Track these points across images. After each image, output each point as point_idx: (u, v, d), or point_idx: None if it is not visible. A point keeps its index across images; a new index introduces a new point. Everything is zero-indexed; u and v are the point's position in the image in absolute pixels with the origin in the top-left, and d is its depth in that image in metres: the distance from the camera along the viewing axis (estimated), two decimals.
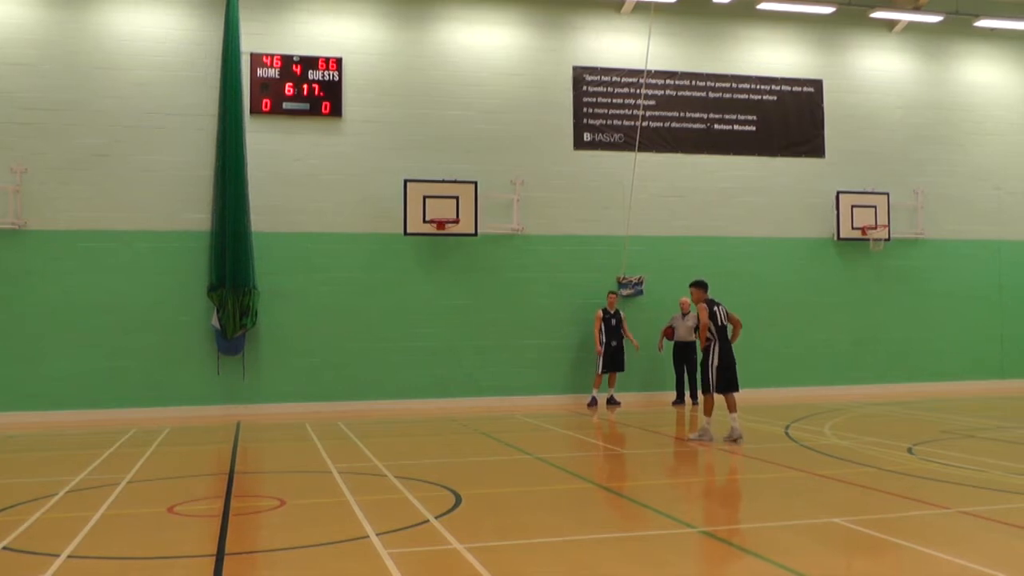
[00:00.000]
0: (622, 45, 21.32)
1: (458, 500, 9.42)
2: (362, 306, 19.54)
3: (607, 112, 21.16)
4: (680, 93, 21.61)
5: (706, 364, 13.94)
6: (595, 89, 21.14)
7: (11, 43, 18.56)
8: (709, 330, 13.81)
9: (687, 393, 19.81)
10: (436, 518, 8.58)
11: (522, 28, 20.91)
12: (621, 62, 21.27)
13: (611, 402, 19.57)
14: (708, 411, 14.08)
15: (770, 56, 22.26)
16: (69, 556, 7.43)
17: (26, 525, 8.60)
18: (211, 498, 10.00)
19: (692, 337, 19.03)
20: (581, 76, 21.07)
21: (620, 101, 21.23)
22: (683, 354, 19.71)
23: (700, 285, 14.30)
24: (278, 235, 19.27)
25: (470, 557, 7.14)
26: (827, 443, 13.45)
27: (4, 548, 7.74)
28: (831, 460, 11.84)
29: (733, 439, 13.68)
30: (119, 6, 19.07)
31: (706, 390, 13.96)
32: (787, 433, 14.66)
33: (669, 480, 11.44)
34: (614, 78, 21.21)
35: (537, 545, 7.71)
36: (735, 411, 13.88)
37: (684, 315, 19.39)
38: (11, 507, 9.45)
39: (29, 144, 18.46)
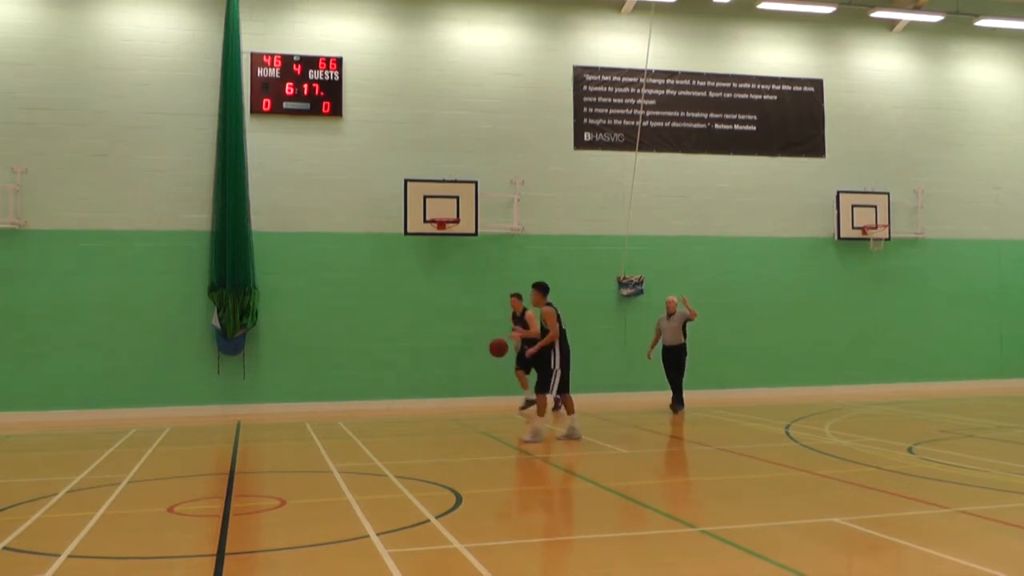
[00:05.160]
0: (622, 45, 21.33)
1: (458, 500, 9.42)
2: (362, 305, 19.55)
3: (607, 112, 21.17)
4: (680, 93, 21.62)
5: (547, 367, 13.93)
6: (595, 89, 21.15)
7: (11, 43, 18.55)
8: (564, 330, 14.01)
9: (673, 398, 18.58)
10: (436, 518, 8.58)
11: (522, 28, 20.91)
12: (621, 62, 21.28)
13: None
14: (543, 411, 14.05)
15: (770, 56, 22.28)
16: (70, 556, 7.43)
17: (26, 525, 8.60)
18: (211, 498, 10.00)
19: (680, 339, 18.01)
20: (581, 76, 21.08)
21: (620, 101, 21.24)
22: (671, 357, 18.15)
23: (542, 288, 14.35)
24: (278, 235, 19.28)
25: (470, 557, 7.14)
26: (827, 443, 13.46)
27: (4, 548, 7.75)
28: (831, 460, 11.85)
29: (576, 437, 14.00)
30: (119, 6, 19.07)
31: (544, 391, 13.95)
32: (787, 433, 14.68)
33: (669, 480, 11.45)
34: (614, 78, 21.22)
35: (537, 545, 7.73)
36: (574, 412, 14.26)
37: (670, 315, 18.20)
38: (11, 507, 9.46)
39: (30, 144, 18.46)
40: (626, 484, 10.36)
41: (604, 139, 21.14)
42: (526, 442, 13.70)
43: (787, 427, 15.38)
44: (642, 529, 8.36)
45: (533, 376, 15.95)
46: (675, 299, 18.16)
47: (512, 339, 16.58)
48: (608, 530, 8.22)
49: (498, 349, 15.27)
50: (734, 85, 21.97)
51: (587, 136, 21.06)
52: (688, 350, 18.16)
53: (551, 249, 20.61)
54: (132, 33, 19.10)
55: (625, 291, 20.79)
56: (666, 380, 18.32)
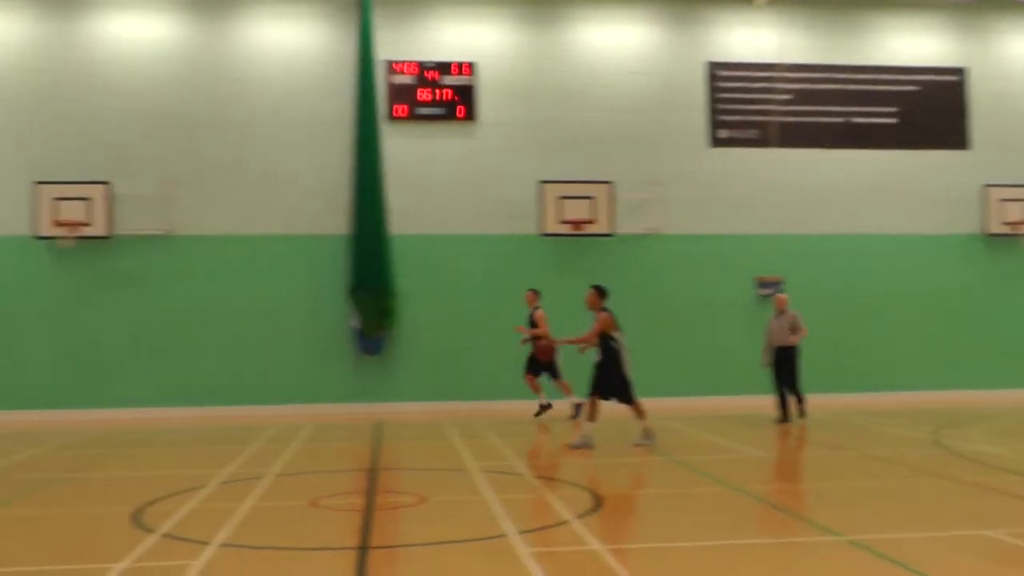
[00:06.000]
0: (756, 39, 20.97)
1: (598, 502, 9.39)
2: (499, 306, 19.66)
3: (742, 108, 20.85)
4: (817, 86, 21.13)
5: (607, 371, 13.31)
6: (729, 85, 20.84)
7: (157, 60, 19.49)
8: (612, 337, 13.36)
9: (788, 402, 16.71)
10: (576, 519, 8.57)
11: (654, 26, 20.78)
12: (755, 56, 20.92)
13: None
14: (594, 416, 13.42)
15: (910, 45, 21.56)
16: (220, 544, 7.71)
17: (181, 514, 8.96)
18: (353, 493, 10.21)
19: (790, 340, 16.36)
20: (715, 72, 20.81)
21: (755, 96, 20.88)
22: (780, 360, 16.49)
23: (600, 291, 13.69)
24: (415, 237, 19.61)
25: (610, 559, 7.10)
26: (978, 450, 12.96)
27: (162, 535, 8.09)
28: (983, 468, 11.38)
29: (590, 446, 13.24)
30: (259, 21, 19.77)
31: (595, 394, 13.37)
32: (933, 438, 14.18)
33: (808, 485, 11.19)
34: (748, 73, 20.88)
35: (677, 549, 7.64)
36: (596, 421, 13.45)
37: (779, 315, 16.67)
38: (166, 497, 9.85)
39: (175, 155, 19.31)
40: (765, 488, 10.19)
41: (739, 136, 20.83)
42: (575, 447, 13.18)
43: (933, 432, 14.85)
44: (783, 536, 8.21)
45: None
46: (785, 297, 17.07)
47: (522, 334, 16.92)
48: (748, 536, 8.10)
49: (545, 352, 14.90)
50: (873, 76, 21.35)
51: (722, 133, 20.78)
52: (799, 352, 16.53)
53: (687, 249, 20.40)
54: (270, 46, 19.75)
55: (763, 291, 20.42)
56: (773, 385, 16.68)
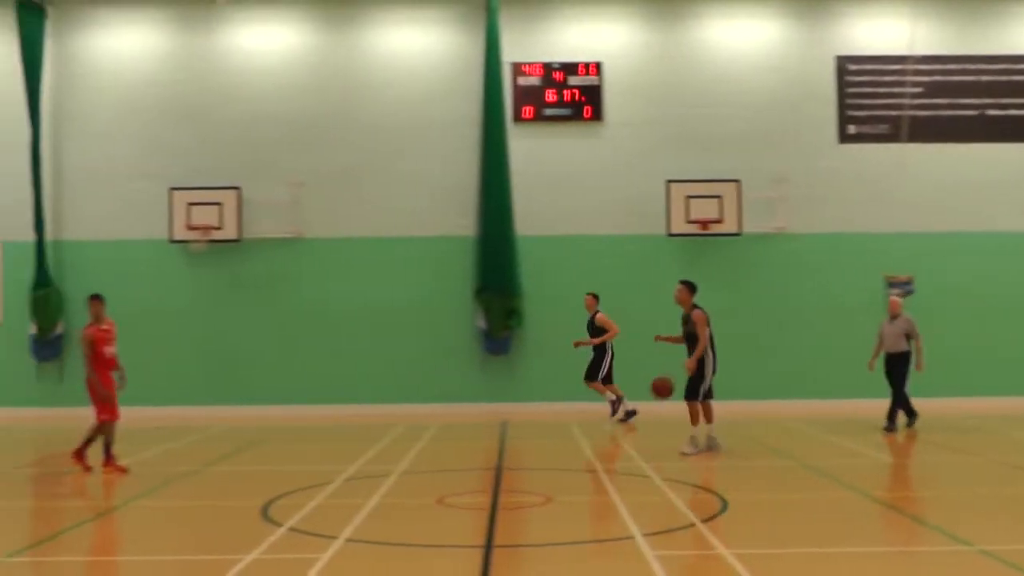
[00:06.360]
0: (886, 30, 20.28)
1: (724, 504, 9.21)
2: (625, 307, 19.37)
3: (872, 102, 20.23)
4: (950, 78, 20.32)
5: (697, 372, 12.63)
6: (859, 79, 20.24)
7: (286, 69, 19.96)
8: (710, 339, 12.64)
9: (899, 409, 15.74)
10: (702, 522, 8.42)
11: (781, 20, 20.33)
12: (886, 48, 20.24)
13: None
14: (697, 419, 12.77)
15: None
16: (347, 539, 7.79)
17: (308, 509, 9.10)
18: (479, 492, 10.24)
19: (902, 346, 15.34)
20: (844, 66, 20.23)
21: (885, 90, 20.22)
22: (891, 366, 15.52)
23: (691, 287, 12.96)
24: (542, 238, 19.61)
25: (736, 564, 6.92)
26: None
27: (290, 529, 8.23)
28: None
29: (710, 448, 12.67)
30: (385, 27, 20.06)
31: (694, 398, 12.70)
32: None
33: (940, 492, 10.69)
34: (879, 66, 20.23)
35: (803, 555, 7.42)
36: (713, 421, 12.82)
37: (893, 319, 15.67)
38: (293, 492, 10.03)
39: (303, 159, 19.71)
40: (893, 494, 9.86)
41: (869, 131, 20.22)
42: (686, 455, 12.59)
43: None
44: (913, 545, 7.94)
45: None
46: (899, 300, 16.16)
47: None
48: (877, 544, 7.84)
49: (662, 390, 13.35)
50: (1009, 67, 20.41)
51: (851, 129, 20.21)
52: (912, 359, 15.57)
53: (816, 247, 19.90)
54: (397, 51, 20.02)
55: (895, 291, 19.77)
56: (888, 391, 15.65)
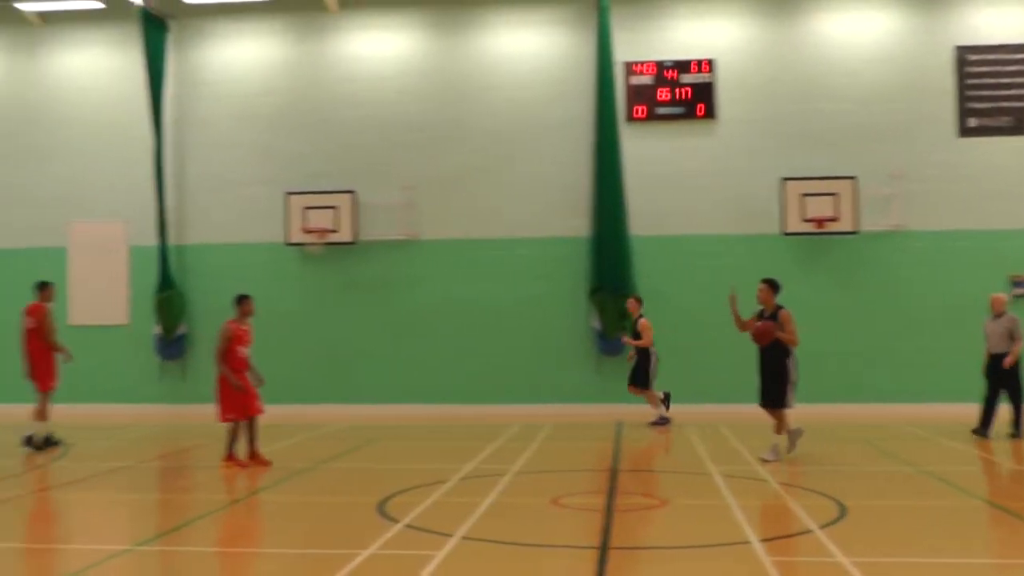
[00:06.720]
0: (1007, 18, 19.47)
1: (843, 511, 8.98)
2: (741, 308, 19.08)
3: (994, 94, 19.51)
4: None
5: (783, 377, 12.18)
6: (980, 70, 19.52)
7: (399, 74, 20.17)
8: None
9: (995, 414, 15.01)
10: (820, 528, 8.23)
11: (896, 10, 19.73)
12: (1007, 37, 19.43)
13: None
14: (782, 428, 12.39)
15: None
16: (462, 537, 7.83)
17: (423, 507, 9.21)
18: (594, 493, 10.21)
19: (1004, 347, 14.57)
20: (963, 57, 19.54)
21: (1008, 81, 19.47)
22: (995, 368, 14.73)
23: (774, 286, 12.48)
24: (655, 238, 19.44)
25: (856, 572, 6.75)
26: None
27: (406, 526, 8.32)
28: None
29: (795, 446, 12.41)
30: (497, 30, 20.10)
31: (781, 406, 12.26)
32: None
33: None
34: (1000, 56, 19.48)
35: (925, 565, 7.19)
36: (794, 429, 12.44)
37: (996, 317, 14.91)
38: (409, 489, 10.16)
39: (417, 163, 19.91)
40: (1021, 504, 9.50)
41: (990, 124, 19.48)
42: (767, 461, 12.24)
43: None
44: None
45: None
46: (1003, 297, 15.33)
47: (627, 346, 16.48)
48: (999, 555, 7.61)
49: (763, 335, 12.49)
50: None
51: (972, 122, 19.51)
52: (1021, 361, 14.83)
53: (935, 245, 19.27)
54: (509, 54, 20.07)
55: (1018, 290, 19.03)
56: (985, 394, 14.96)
